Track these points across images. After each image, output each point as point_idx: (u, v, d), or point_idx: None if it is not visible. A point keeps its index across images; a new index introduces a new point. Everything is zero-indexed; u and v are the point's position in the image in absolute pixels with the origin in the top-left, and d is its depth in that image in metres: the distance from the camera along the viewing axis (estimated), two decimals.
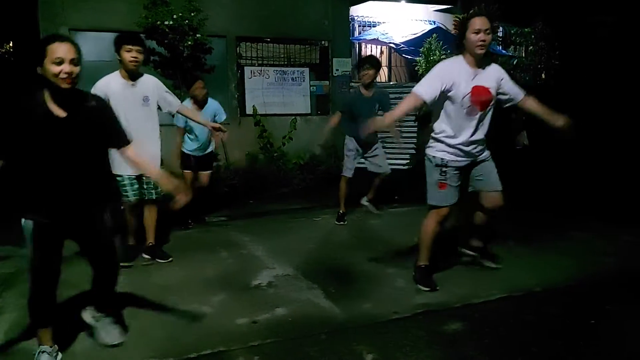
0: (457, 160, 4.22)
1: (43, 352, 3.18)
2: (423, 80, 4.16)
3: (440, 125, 4.22)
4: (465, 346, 3.42)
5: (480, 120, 4.16)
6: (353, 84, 10.31)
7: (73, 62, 2.87)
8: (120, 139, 3.31)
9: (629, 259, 5.10)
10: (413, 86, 9.11)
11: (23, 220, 3.04)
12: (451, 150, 4.19)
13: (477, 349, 3.38)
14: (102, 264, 3.36)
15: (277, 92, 9.79)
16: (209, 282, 4.62)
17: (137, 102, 4.73)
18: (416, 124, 9.38)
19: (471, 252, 4.72)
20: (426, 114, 8.45)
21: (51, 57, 2.83)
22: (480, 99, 4.05)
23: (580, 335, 3.57)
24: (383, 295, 4.27)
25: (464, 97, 4.04)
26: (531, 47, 8.65)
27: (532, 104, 4.31)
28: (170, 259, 5.17)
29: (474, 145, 4.21)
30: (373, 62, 6.38)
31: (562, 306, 4.01)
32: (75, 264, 3.67)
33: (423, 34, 10.65)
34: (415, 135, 9.46)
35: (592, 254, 5.17)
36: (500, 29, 8.15)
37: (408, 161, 9.32)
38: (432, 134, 4.31)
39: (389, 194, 7.48)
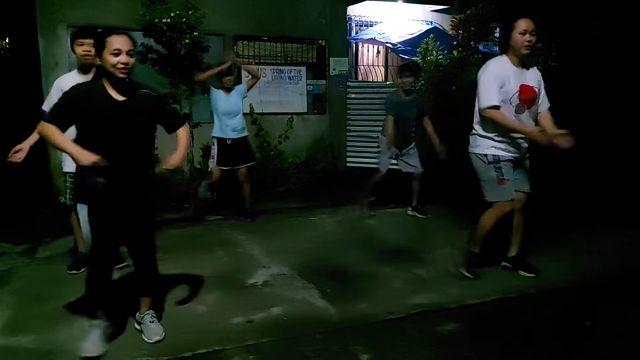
0: (508, 155, 4.31)
1: (97, 326, 3.35)
2: (483, 90, 4.21)
3: (488, 124, 4.29)
4: (460, 347, 3.43)
5: (527, 117, 4.28)
6: (349, 83, 10.31)
7: (129, 53, 3.14)
8: (176, 124, 3.57)
9: (622, 259, 5.11)
10: None
11: (78, 205, 3.27)
12: (502, 145, 4.29)
13: (472, 349, 3.39)
14: (140, 253, 3.51)
15: (274, 91, 9.76)
16: (204, 281, 4.61)
17: None
18: (413, 124, 9.36)
19: (508, 265, 4.70)
20: (423, 114, 8.46)
21: (109, 49, 3.09)
22: (527, 97, 4.21)
23: (575, 336, 3.58)
24: (378, 296, 4.28)
25: (512, 95, 4.19)
26: None
27: (547, 118, 4.43)
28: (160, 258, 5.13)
29: (522, 140, 4.31)
30: (413, 69, 6.68)
31: (556, 307, 4.03)
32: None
33: (420, 34, 10.65)
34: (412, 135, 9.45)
35: (586, 255, 5.18)
36: (497, 29, 8.15)
37: None
38: (477, 133, 4.39)
39: (387, 194, 7.46)
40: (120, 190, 3.24)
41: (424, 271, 4.81)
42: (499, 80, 4.17)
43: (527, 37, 4.13)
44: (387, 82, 11.49)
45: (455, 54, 8.55)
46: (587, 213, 6.56)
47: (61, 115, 3.13)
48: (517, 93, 4.18)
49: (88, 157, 2.98)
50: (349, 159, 10.02)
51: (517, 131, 4.16)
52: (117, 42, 3.08)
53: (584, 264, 4.97)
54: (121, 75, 3.13)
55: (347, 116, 10.09)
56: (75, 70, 4.73)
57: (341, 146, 10.09)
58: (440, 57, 8.79)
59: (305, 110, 10.04)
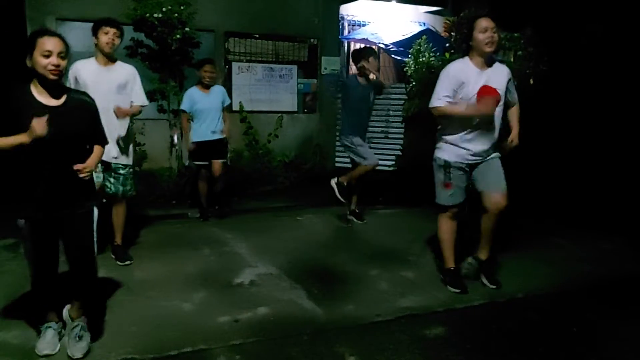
0: (461, 162, 4.24)
1: (49, 327, 3.33)
2: (437, 90, 4.16)
3: (448, 127, 4.24)
4: (447, 350, 3.42)
5: (489, 121, 4.16)
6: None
7: (61, 55, 3.02)
8: (99, 139, 3.41)
9: (607, 266, 5.15)
10: (401, 87, 9.12)
11: (18, 220, 3.12)
12: (457, 151, 4.22)
13: (459, 353, 3.39)
14: (76, 267, 3.29)
15: (264, 89, 9.72)
16: (190, 279, 4.59)
17: (110, 89, 4.57)
18: (403, 125, 9.38)
19: (474, 263, 4.56)
20: (414, 115, 8.47)
21: (40, 50, 2.98)
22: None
23: (562, 342, 3.59)
24: (366, 298, 4.27)
25: (471, 97, 4.07)
26: (520, 52, 8.69)
27: (514, 112, 4.45)
28: (128, 262, 4.93)
29: (482, 147, 4.21)
30: (373, 52, 6.46)
31: (543, 313, 4.04)
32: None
33: (412, 35, 10.64)
34: (402, 136, 9.47)
35: (573, 261, 5.21)
36: None
37: (393, 162, 9.31)
38: (439, 135, 4.34)
39: (374, 195, 7.46)
40: (55, 197, 3.12)
41: (412, 274, 4.80)
42: (456, 81, 4.10)
43: (489, 34, 4.03)
44: None
45: (448, 56, 8.52)
46: (574, 218, 6.60)
47: None
48: (476, 95, 4.05)
49: (39, 126, 2.88)
50: (337, 159, 10.00)
51: (467, 114, 4.05)
52: (49, 43, 2.99)
53: (571, 269, 5.00)
54: (52, 77, 3.01)
55: (337, 116, 10.08)
56: (93, 58, 4.65)
57: (330, 146, 10.07)
58: (432, 58, 8.78)
59: (295, 109, 10.02)
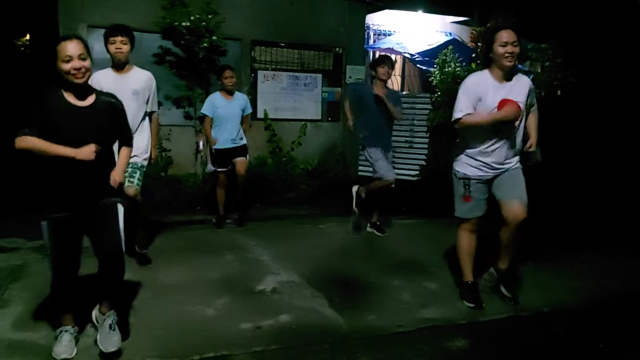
0: (480, 176, 4.18)
1: (65, 331, 3.35)
2: (457, 104, 4.11)
3: (469, 139, 4.19)
4: None
5: (509, 134, 4.10)
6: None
7: (81, 57, 3.11)
8: (127, 139, 3.57)
9: (634, 281, 5.06)
10: (426, 97, 9.08)
11: (41, 222, 3.21)
12: (476, 163, 4.17)
13: None
14: (106, 263, 3.36)
15: (289, 97, 9.78)
16: (213, 285, 4.62)
17: (126, 95, 4.51)
18: (428, 135, 9.35)
19: (495, 273, 4.48)
20: (439, 126, 8.44)
21: (61, 57, 3.08)
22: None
23: (586, 358, 3.54)
24: (388, 308, 4.25)
25: (492, 110, 3.99)
26: (547, 63, 8.62)
27: (532, 119, 4.36)
28: (148, 265, 5.05)
29: (501, 160, 4.14)
30: (390, 60, 6.34)
31: (568, 327, 3.98)
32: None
33: (438, 45, 10.61)
34: (426, 146, 9.44)
35: (599, 276, 5.12)
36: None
37: (417, 172, 9.28)
38: (459, 148, 4.29)
39: (397, 205, 7.43)
40: (79, 196, 3.20)
41: (435, 284, 4.77)
42: (474, 95, 4.04)
43: (509, 48, 3.93)
44: (404, 92, 11.48)
45: (474, 67, 8.49)
46: (599, 233, 6.50)
47: (35, 126, 3.07)
48: (496, 109, 3.97)
49: (88, 151, 3.04)
50: (360, 168, 10.00)
51: (493, 121, 3.97)
52: (67, 48, 3.07)
53: (597, 284, 4.92)
54: (77, 81, 3.11)
55: None
56: (109, 68, 4.76)
57: (353, 154, 10.07)
58: (458, 69, 8.75)
59: (319, 118, 10.05)
